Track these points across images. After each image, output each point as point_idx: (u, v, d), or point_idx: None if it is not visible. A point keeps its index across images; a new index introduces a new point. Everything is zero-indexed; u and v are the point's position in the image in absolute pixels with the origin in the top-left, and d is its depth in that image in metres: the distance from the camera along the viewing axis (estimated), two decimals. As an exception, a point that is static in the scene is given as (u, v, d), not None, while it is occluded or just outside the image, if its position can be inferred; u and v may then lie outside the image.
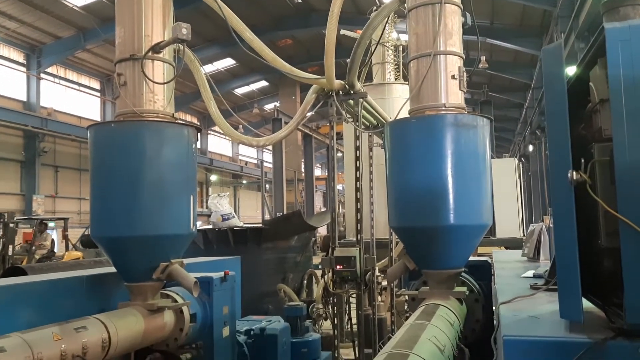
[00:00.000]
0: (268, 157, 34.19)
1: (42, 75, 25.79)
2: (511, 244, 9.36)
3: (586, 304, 1.94)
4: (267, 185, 30.39)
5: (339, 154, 14.86)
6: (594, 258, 1.94)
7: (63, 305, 3.96)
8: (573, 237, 1.74)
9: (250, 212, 40.94)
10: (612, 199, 1.80)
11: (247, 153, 46.65)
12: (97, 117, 28.69)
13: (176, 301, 4.54)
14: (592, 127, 2.04)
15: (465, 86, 4.64)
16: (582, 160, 1.84)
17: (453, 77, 4.53)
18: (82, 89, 28.78)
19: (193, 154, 4.58)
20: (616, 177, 1.76)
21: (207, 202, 20.64)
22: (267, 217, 22.83)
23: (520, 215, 11.96)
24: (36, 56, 25.45)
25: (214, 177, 39.01)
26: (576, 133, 2.02)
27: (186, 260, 4.64)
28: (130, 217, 4.15)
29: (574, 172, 1.81)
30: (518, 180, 12.52)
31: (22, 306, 3.68)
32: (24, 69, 25.28)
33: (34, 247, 15.79)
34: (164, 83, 4.43)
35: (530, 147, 27.34)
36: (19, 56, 25.27)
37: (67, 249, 17.48)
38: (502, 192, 10.41)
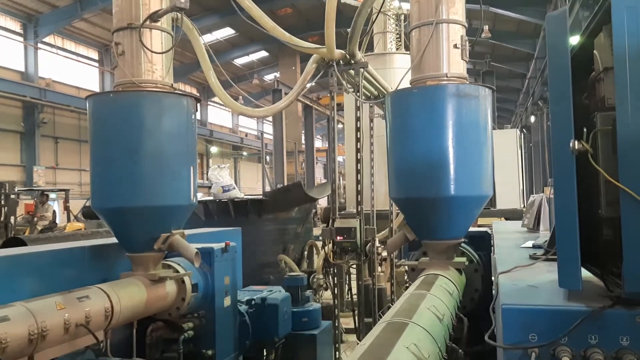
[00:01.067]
0: (268, 128, 34.04)
1: (39, 45, 25.50)
2: (511, 215, 9.38)
3: (585, 273, 1.95)
4: (268, 157, 30.37)
5: (340, 125, 14.80)
6: (593, 228, 1.94)
7: (65, 276, 3.99)
8: (573, 206, 1.74)
9: (250, 183, 41.00)
10: (613, 169, 1.79)
11: (248, 124, 46.49)
12: (95, 88, 28.48)
13: (178, 271, 4.58)
14: (595, 96, 2.02)
15: (468, 56, 4.58)
16: (584, 130, 1.83)
17: (455, 46, 4.47)
18: (80, 59, 28.49)
19: (193, 125, 4.56)
20: (618, 146, 1.75)
21: (207, 173, 20.64)
22: (267, 188, 22.88)
23: (521, 187, 11.98)
24: (33, 26, 25.13)
25: (214, 149, 38.95)
26: (579, 102, 2.00)
27: (187, 231, 4.66)
28: (130, 188, 4.15)
29: (576, 142, 1.80)
30: (519, 151, 12.49)
31: (25, 276, 3.70)
32: (21, 38, 24.99)
33: (35, 219, 15.88)
34: (162, 53, 4.38)
35: (532, 118, 27.21)
36: (15, 26, 24.96)
37: (68, 220, 17.57)
38: (503, 163, 10.40)
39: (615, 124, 1.81)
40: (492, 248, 4.71)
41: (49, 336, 3.19)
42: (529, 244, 3.47)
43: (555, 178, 1.86)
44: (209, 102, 38.72)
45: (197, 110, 4.65)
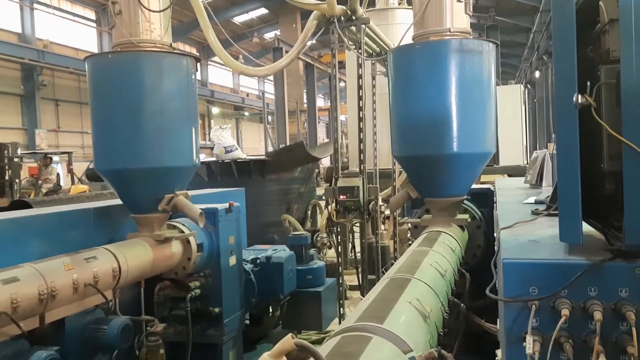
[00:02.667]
0: (270, 88, 33.70)
1: (35, 5, 25.05)
2: (514, 171, 9.37)
3: (586, 227, 1.96)
4: (269, 117, 30.22)
5: (342, 84, 14.65)
6: (595, 182, 1.94)
7: (72, 237, 4.04)
8: (575, 160, 1.74)
9: (252, 144, 40.92)
10: (616, 123, 1.78)
11: (249, 84, 46.05)
12: (94, 49, 28.11)
13: (183, 232, 4.63)
14: (600, 49, 1.99)
15: (471, 10, 4.50)
16: (588, 84, 1.80)
17: (458, 0, 4.38)
18: (77, 19, 28.02)
19: (193, 85, 4.52)
20: (622, 100, 1.73)
21: (209, 134, 20.59)
22: (269, 149, 22.83)
23: (524, 143, 11.92)
24: (28, -15, 24.63)
25: (215, 110, 38.72)
26: (583, 55, 1.97)
27: (191, 192, 4.69)
28: (132, 149, 4.16)
29: (579, 96, 1.78)
30: (523, 107, 12.38)
31: (32, 238, 3.75)
32: (16, -1, 24.55)
33: (40, 181, 15.97)
34: (160, 11, 4.30)
35: (537, 74, 26.86)
36: (10, -14, 24.47)
37: (72, 182, 17.67)
38: (507, 119, 10.32)
39: (620, 77, 1.78)
40: (495, 204, 4.73)
41: (58, 296, 3.25)
42: (531, 199, 3.48)
43: (558, 132, 1.86)
44: (209, 62, 38.25)
45: (197, 70, 4.60)
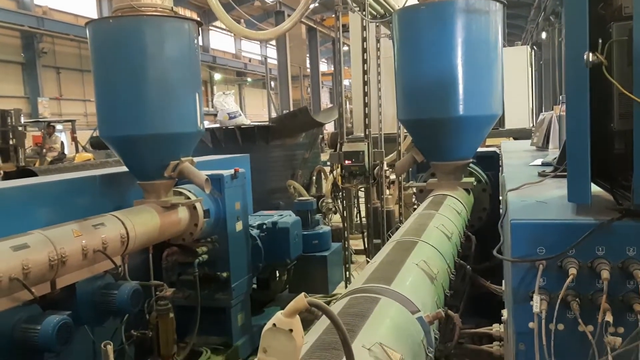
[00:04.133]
0: (272, 53, 33.30)
1: (32, -29, 24.61)
2: (520, 134, 9.32)
3: (594, 188, 1.95)
4: (272, 83, 29.97)
5: (345, 48, 14.44)
6: (604, 143, 1.92)
7: (79, 204, 4.07)
8: (585, 119, 1.72)
9: (256, 110, 40.67)
10: (628, 81, 1.75)
11: (251, 49, 45.48)
12: (94, 15, 27.72)
13: (189, 198, 4.65)
14: (612, 6, 1.94)
15: (478, -32, 4.38)
16: (600, 41, 1.77)
17: (465, -42, 4.27)
18: (75, -15, 27.54)
19: (196, 50, 4.47)
20: (634, 57, 1.70)
21: (212, 101, 20.46)
22: (273, 114, 22.72)
23: (530, 106, 11.81)
24: (24, -50, 24.14)
25: (217, 76, 38.37)
26: (594, 13, 1.92)
27: (196, 159, 4.69)
28: (136, 116, 4.14)
29: (590, 54, 1.75)
30: (529, 69, 12.21)
31: (39, 206, 3.77)
32: (13, -36, 24.09)
33: (44, 150, 16.00)
34: (160, -26, 4.21)
35: (544, 34, 26.36)
36: (6, -49, 23.98)
37: (77, 151, 17.70)
38: (513, 81, 10.19)
39: (632, 34, 1.75)
40: (501, 167, 4.72)
41: (68, 262, 3.29)
42: (538, 161, 3.47)
43: (567, 91, 1.83)
44: (210, 27, 37.72)
45: (199, 35, 4.54)
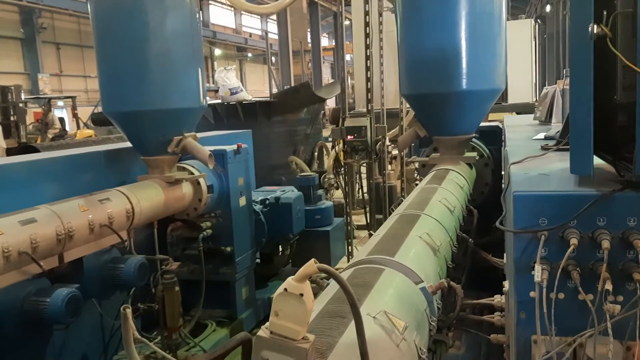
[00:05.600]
0: (273, 28, 32.95)
1: (29, -55, 24.25)
2: (523, 109, 9.27)
3: (596, 161, 1.97)
4: (273, 58, 29.73)
5: (347, 22, 14.29)
6: (607, 115, 1.93)
7: (84, 180, 4.09)
8: (589, 91, 1.73)
9: (257, 86, 40.46)
10: (632, 53, 1.75)
11: (251, 24, 45.02)
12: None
13: (192, 173, 4.68)
14: (618, -23, 1.94)
15: (482, -60, 4.32)
16: (604, 13, 1.77)
17: None
18: (73, -41, 27.16)
19: (197, 24, 4.44)
20: (638, 29, 1.70)
21: (213, 77, 20.33)
22: (274, 90, 22.61)
23: (534, 80, 11.73)
24: None
25: (218, 51, 38.06)
26: (600, -16, 1.91)
27: (198, 135, 4.70)
28: (139, 91, 4.14)
29: (595, 26, 1.75)
30: (533, 43, 12.09)
31: (45, 181, 3.80)
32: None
33: (47, 125, 16.01)
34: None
35: (548, 7, 26.07)
36: None
37: (78, 127, 17.69)
38: (516, 55, 10.10)
39: (637, 6, 1.75)
40: (503, 142, 4.73)
41: (75, 236, 3.34)
42: (541, 135, 3.48)
43: (571, 63, 1.84)
44: (209, 1, 37.30)
45: (200, 9, 4.51)
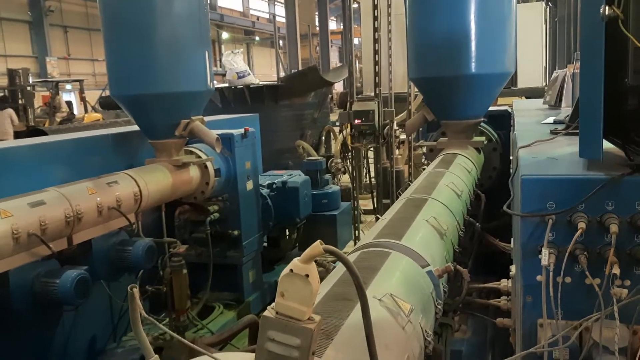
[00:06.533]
0: (280, 11, 32.72)
1: None
2: (532, 93, 9.18)
3: (606, 145, 1.95)
4: (281, 42, 29.58)
5: (355, 5, 14.17)
6: (617, 99, 1.91)
7: (92, 163, 4.11)
8: (599, 74, 1.70)
9: (264, 70, 40.31)
10: (644, 36, 1.72)
11: (259, 7, 44.73)
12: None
13: (200, 157, 4.69)
14: (631, -42, 1.90)
15: None
16: (617, -6, 1.74)
17: None
18: (80, -59, 27.03)
19: (204, 7, 4.42)
20: (651, 11, 1.67)
21: (220, 60, 20.28)
22: (281, 74, 22.51)
23: (544, 64, 11.59)
24: None
25: (225, 35, 37.89)
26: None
27: (206, 118, 4.70)
28: (147, 74, 4.13)
29: (606, 7, 1.72)
30: (544, 26, 11.93)
31: (53, 164, 3.82)
32: None
33: (55, 108, 16.07)
34: None
35: (559, -10, 25.63)
36: None
37: (85, 111, 17.74)
38: (527, 39, 9.97)
39: (651, -13, 1.72)
40: (512, 126, 4.70)
41: (84, 218, 3.36)
42: (550, 120, 3.45)
43: (582, 46, 1.81)
44: (217, -16, 37.05)
45: (207, -9, 4.48)
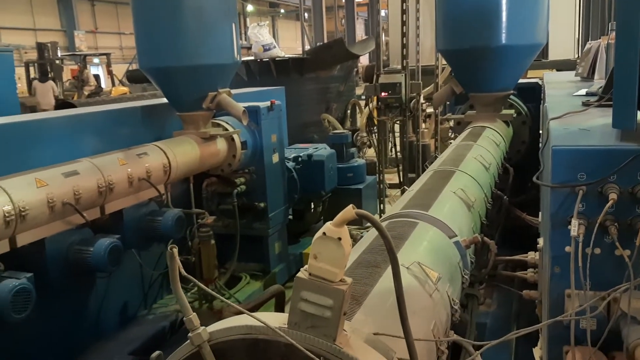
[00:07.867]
0: (306, -17, 32.24)
1: None
2: (564, 66, 8.94)
3: (640, 116, 1.91)
4: (306, 14, 29.26)
5: (382, -24, 13.91)
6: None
7: (122, 134, 4.18)
8: (635, 43, 1.65)
9: (289, 43, 39.99)
10: (685, 2, 1.67)
11: (284, -20, 44.21)
12: (125, -54, 27.25)
13: (227, 129, 4.73)
14: None
15: None
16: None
17: None
18: None
19: (231, -21, 4.41)
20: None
21: (245, 33, 20.17)
22: (307, 47, 22.32)
23: (577, 35, 11.26)
24: None
25: (250, 7, 37.65)
26: None
27: (232, 91, 4.72)
28: (175, 47, 4.16)
29: (646, -26, 1.67)
30: (577, -4, 11.55)
31: (85, 135, 3.90)
32: None
33: (83, 81, 16.30)
34: None
35: (593, -40, 24.74)
36: None
37: (113, 84, 17.93)
38: (559, 9, 9.68)
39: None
40: (542, 99, 4.61)
41: (115, 189, 3.44)
42: (582, 91, 3.36)
43: (618, 14, 1.76)
44: (242, -43, 36.68)
45: (233, -37, 4.47)
